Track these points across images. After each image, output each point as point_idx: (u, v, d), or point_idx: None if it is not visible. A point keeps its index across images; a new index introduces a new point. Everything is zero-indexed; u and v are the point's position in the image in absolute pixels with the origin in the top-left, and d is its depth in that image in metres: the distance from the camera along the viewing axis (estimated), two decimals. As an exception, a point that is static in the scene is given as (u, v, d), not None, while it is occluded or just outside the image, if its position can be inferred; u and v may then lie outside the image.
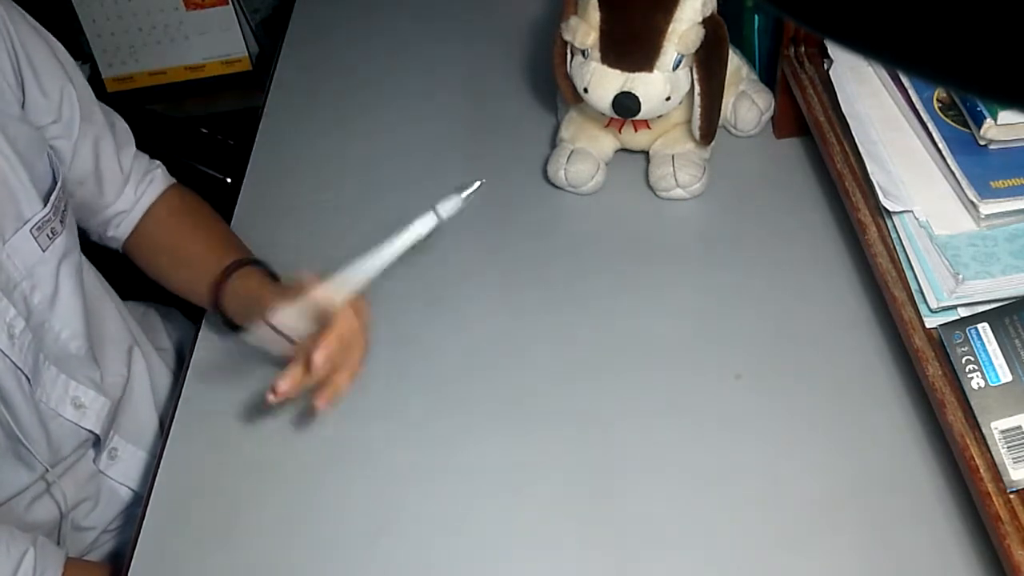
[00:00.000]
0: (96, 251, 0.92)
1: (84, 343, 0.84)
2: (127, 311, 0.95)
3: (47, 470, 0.82)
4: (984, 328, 0.66)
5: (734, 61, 0.97)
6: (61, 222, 0.80)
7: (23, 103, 0.79)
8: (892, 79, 0.83)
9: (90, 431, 0.85)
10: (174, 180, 0.95)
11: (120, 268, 0.95)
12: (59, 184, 0.81)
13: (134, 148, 0.92)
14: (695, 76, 0.88)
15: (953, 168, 0.74)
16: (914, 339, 0.70)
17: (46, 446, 0.82)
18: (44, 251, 0.78)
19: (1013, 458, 0.62)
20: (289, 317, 0.75)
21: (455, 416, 0.81)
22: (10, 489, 0.82)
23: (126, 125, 0.92)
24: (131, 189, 0.90)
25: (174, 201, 0.93)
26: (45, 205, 0.78)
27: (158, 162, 0.94)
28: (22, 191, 0.76)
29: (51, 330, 0.80)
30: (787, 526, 0.70)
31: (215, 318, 0.90)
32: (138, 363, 0.93)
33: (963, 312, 0.69)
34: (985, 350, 0.65)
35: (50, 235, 0.79)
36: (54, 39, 0.85)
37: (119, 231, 0.92)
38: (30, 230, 0.77)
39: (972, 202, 0.72)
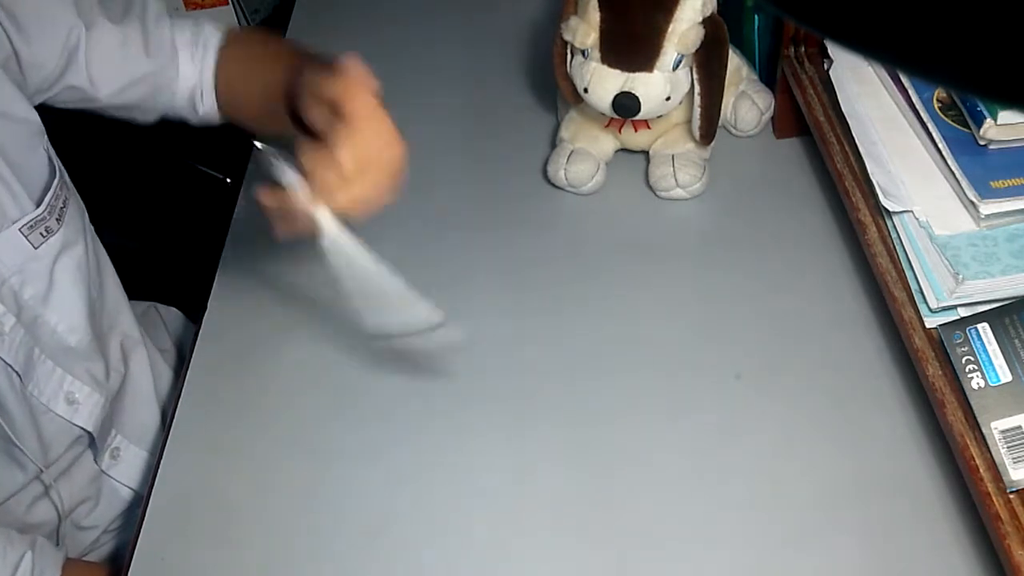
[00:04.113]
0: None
1: (86, 335, 0.83)
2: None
3: (41, 470, 0.82)
4: (984, 328, 0.66)
5: (734, 61, 0.96)
6: (58, 220, 0.79)
7: (19, 63, 0.76)
8: (892, 79, 0.83)
9: (82, 428, 0.84)
10: (225, 28, 0.89)
11: (121, 268, 0.95)
12: (56, 180, 0.80)
13: (168, 23, 0.86)
14: (695, 76, 0.88)
15: (953, 168, 0.74)
16: (914, 339, 0.70)
17: (37, 443, 0.81)
18: (36, 248, 0.77)
19: (1013, 458, 0.62)
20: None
21: (454, 416, 0.81)
22: (5, 489, 0.81)
23: (157, 6, 0.86)
24: (187, 60, 0.86)
25: (237, 46, 0.88)
26: (38, 205, 0.77)
27: (203, 21, 0.89)
28: (6, 192, 0.74)
29: (46, 324, 0.79)
30: (787, 526, 0.70)
31: (222, 303, 0.90)
32: (140, 362, 0.92)
33: (963, 312, 0.69)
34: (985, 350, 0.65)
35: (44, 233, 0.77)
36: None
37: (206, 104, 0.88)
38: (19, 229, 0.75)
39: (972, 202, 0.72)
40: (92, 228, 0.86)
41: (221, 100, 0.88)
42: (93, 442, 0.87)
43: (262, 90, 0.82)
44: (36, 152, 0.78)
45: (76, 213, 0.82)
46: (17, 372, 0.77)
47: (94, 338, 0.84)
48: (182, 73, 0.86)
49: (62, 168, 0.81)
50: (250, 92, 0.85)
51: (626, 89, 0.87)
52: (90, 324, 0.83)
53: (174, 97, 0.87)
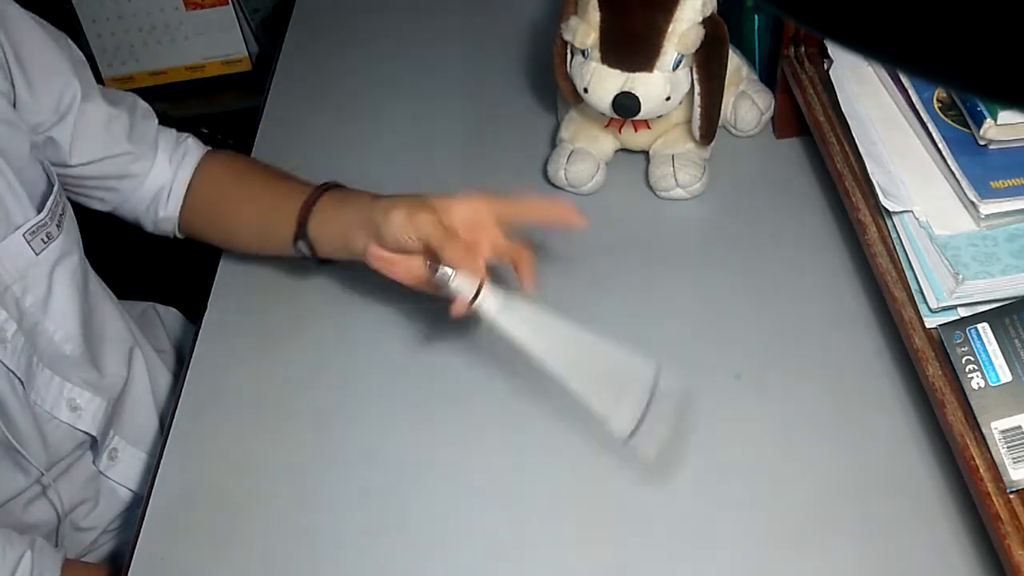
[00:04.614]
0: (97, 251, 0.92)
1: (80, 345, 0.83)
2: (125, 312, 0.95)
3: (43, 473, 0.82)
4: (984, 328, 0.66)
5: (734, 61, 0.96)
6: (58, 226, 0.79)
7: (15, 103, 0.78)
8: (892, 79, 0.83)
9: (86, 432, 0.85)
10: (209, 148, 0.93)
11: (119, 268, 0.95)
12: (55, 188, 0.80)
13: (155, 123, 0.90)
14: (695, 76, 0.88)
15: (953, 168, 0.74)
16: (914, 339, 0.70)
17: (42, 449, 0.81)
18: (38, 255, 0.77)
19: (1013, 458, 0.62)
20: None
21: (454, 416, 0.80)
22: (6, 492, 0.81)
23: (146, 105, 0.90)
24: (164, 160, 0.88)
25: (217, 162, 0.91)
26: (40, 211, 0.78)
27: (187, 134, 0.92)
28: (11, 197, 0.75)
29: (44, 332, 0.80)
30: (787, 526, 0.70)
31: (220, 311, 0.90)
32: (138, 364, 0.92)
33: (963, 312, 0.69)
34: (985, 350, 0.65)
35: (45, 239, 0.78)
36: (55, 31, 0.83)
37: (169, 208, 0.90)
38: (23, 235, 0.76)
39: (972, 202, 0.72)
40: (80, 238, 0.86)
41: (190, 210, 0.90)
42: (94, 444, 0.87)
43: (257, 212, 0.87)
44: (35, 162, 0.79)
45: (71, 222, 0.83)
46: (20, 379, 0.77)
47: (87, 347, 0.84)
48: (156, 169, 0.88)
49: (57, 179, 0.82)
50: (235, 210, 0.89)
51: (626, 89, 0.87)
52: (83, 333, 0.83)
53: (138, 190, 0.89)
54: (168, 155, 0.89)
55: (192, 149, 0.91)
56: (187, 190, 0.90)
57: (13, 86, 0.78)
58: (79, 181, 0.86)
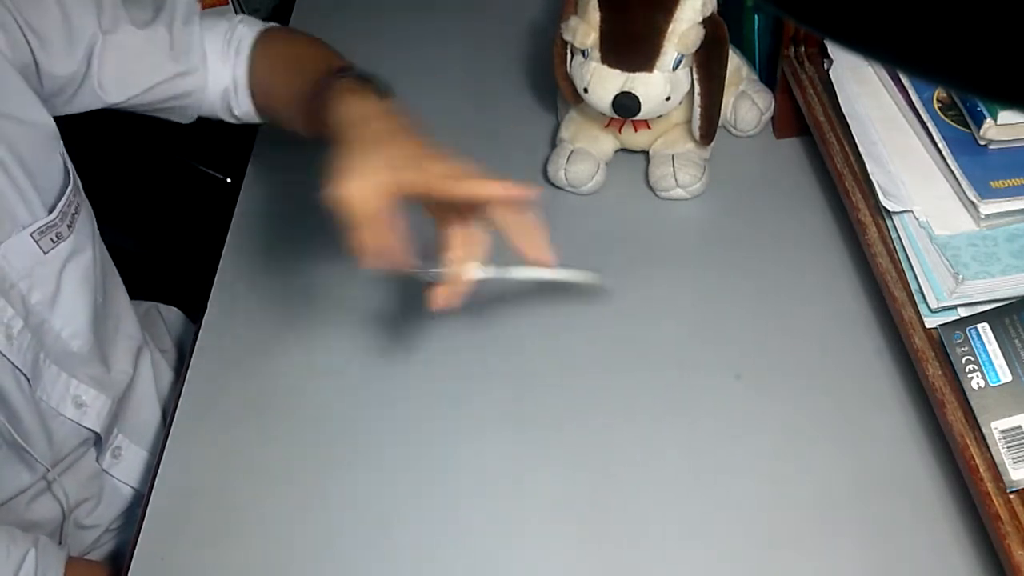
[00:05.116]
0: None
1: (88, 341, 0.83)
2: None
3: (48, 470, 0.82)
4: (984, 328, 0.66)
5: (734, 61, 0.96)
6: (69, 226, 0.79)
7: (39, 74, 0.76)
8: (892, 79, 0.83)
9: (91, 430, 0.85)
10: (260, 27, 0.88)
11: (122, 268, 0.95)
12: (70, 188, 0.79)
13: (198, 27, 0.84)
14: (695, 76, 0.88)
15: (953, 168, 0.74)
16: (914, 339, 0.70)
17: (47, 446, 0.82)
18: (46, 253, 0.77)
19: (1013, 458, 0.62)
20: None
21: (454, 416, 0.81)
22: (11, 489, 0.82)
23: (187, 6, 0.84)
24: (216, 63, 0.85)
25: (268, 47, 0.87)
26: (51, 212, 0.77)
27: (238, 17, 0.87)
28: (18, 196, 0.75)
29: (51, 329, 0.80)
30: (787, 526, 0.70)
31: (221, 305, 0.90)
32: (145, 363, 0.93)
33: (963, 312, 0.70)
34: (985, 350, 0.65)
35: (54, 239, 0.78)
36: None
37: (242, 104, 0.87)
38: (30, 234, 0.76)
39: (972, 202, 0.72)
40: (99, 234, 0.86)
41: (258, 101, 0.87)
42: (98, 442, 0.87)
43: (294, 95, 0.81)
44: (52, 157, 0.78)
45: (86, 219, 0.83)
46: (26, 375, 0.77)
47: (96, 344, 0.84)
48: (212, 74, 0.85)
49: (75, 174, 0.81)
50: (281, 95, 0.85)
51: (626, 89, 0.87)
52: (93, 330, 0.83)
53: (204, 99, 0.86)
54: (219, 56, 0.85)
55: (244, 39, 0.86)
56: (248, 80, 0.86)
57: (34, 57, 0.76)
58: (139, 109, 0.84)
